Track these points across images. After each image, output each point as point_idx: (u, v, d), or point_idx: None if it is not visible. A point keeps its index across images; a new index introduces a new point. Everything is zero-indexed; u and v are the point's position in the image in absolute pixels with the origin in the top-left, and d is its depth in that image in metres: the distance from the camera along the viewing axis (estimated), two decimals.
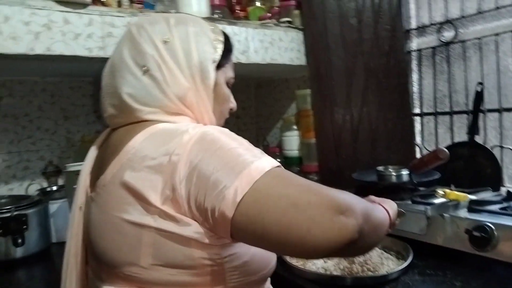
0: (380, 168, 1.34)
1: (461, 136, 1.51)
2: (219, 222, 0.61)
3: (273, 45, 1.57)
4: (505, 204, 1.09)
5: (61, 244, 0.91)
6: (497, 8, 1.38)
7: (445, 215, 1.06)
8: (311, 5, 1.60)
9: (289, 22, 1.65)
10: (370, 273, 1.00)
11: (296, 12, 1.68)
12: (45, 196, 1.48)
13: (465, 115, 1.50)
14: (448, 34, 1.53)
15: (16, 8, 1.05)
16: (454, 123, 1.54)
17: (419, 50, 1.63)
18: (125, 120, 0.75)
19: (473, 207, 1.07)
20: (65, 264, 0.81)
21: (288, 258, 1.10)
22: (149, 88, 0.72)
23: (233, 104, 0.89)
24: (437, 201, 1.12)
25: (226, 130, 0.68)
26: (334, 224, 0.57)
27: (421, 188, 1.31)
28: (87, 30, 1.16)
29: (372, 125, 1.60)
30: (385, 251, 1.13)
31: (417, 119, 1.65)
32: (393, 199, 1.19)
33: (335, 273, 1.01)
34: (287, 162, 1.83)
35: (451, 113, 1.54)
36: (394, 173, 1.29)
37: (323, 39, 1.60)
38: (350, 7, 1.60)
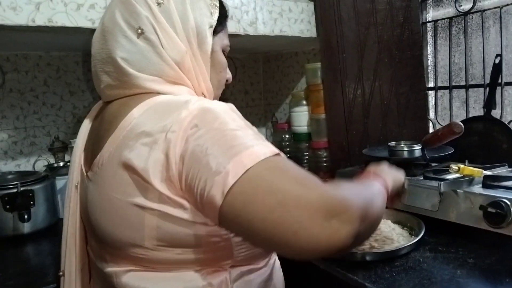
0: (392, 143, 1.30)
1: (477, 111, 1.46)
2: (207, 207, 0.57)
3: (282, 16, 1.52)
4: None
5: None
6: None
7: (459, 191, 1.02)
8: None
9: None
10: (378, 249, 0.98)
11: None
12: (51, 172, 1.47)
13: (481, 89, 1.44)
14: (466, 4, 1.45)
15: None
16: (469, 98, 1.48)
17: (434, 21, 1.57)
18: (122, 92, 0.71)
19: (488, 182, 1.03)
20: (64, 244, 0.79)
21: None
22: (145, 52, 0.68)
23: (229, 74, 0.85)
24: (451, 176, 1.09)
25: (230, 107, 0.64)
26: (323, 230, 0.51)
27: (434, 164, 1.27)
28: (90, 1, 1.12)
29: (384, 99, 1.55)
30: (398, 226, 1.10)
31: (431, 93, 1.60)
32: (405, 175, 1.18)
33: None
34: (296, 138, 1.80)
35: (466, 87, 1.48)
36: (406, 148, 1.25)
37: (334, 9, 1.54)
38: None
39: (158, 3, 0.70)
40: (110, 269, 0.69)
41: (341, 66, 1.54)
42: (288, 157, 1.85)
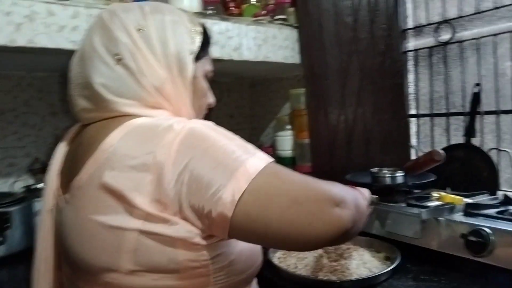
0: (374, 169, 1.31)
1: (458, 138, 1.48)
2: (216, 222, 0.59)
3: (266, 42, 1.53)
4: (502, 208, 1.06)
5: None
6: (496, 8, 1.35)
7: (440, 218, 1.03)
8: (306, 2, 1.57)
9: (283, 19, 1.62)
10: (355, 276, 0.96)
11: (291, 9, 1.64)
12: (30, 193, 1.43)
13: (461, 117, 1.46)
14: (445, 35, 1.49)
15: None
16: (450, 125, 1.51)
17: (415, 50, 1.60)
18: (99, 115, 0.70)
19: (469, 210, 1.03)
20: (36, 270, 0.76)
21: (276, 261, 1.06)
22: (123, 78, 0.68)
23: (211, 99, 0.85)
24: (432, 204, 1.09)
25: (212, 124, 0.65)
26: (332, 217, 0.60)
27: (416, 191, 1.27)
28: (72, 22, 1.12)
29: (366, 126, 1.56)
30: (374, 254, 1.09)
31: (413, 121, 1.62)
32: (387, 202, 1.18)
33: (322, 277, 0.98)
34: (280, 162, 1.76)
35: (447, 115, 1.51)
36: (388, 175, 1.26)
37: (317, 37, 1.56)
38: (346, 5, 1.57)
39: (138, 29, 0.70)
40: None
41: (324, 93, 1.56)
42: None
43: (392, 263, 1.00)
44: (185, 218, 0.61)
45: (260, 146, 2.00)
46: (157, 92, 0.70)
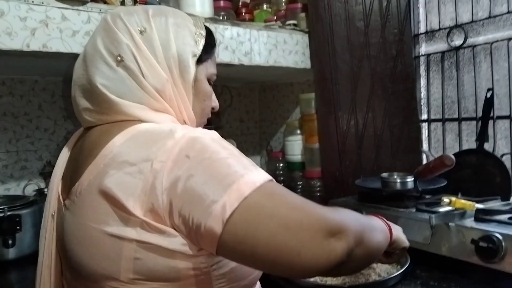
0: (385, 174, 1.30)
1: (470, 143, 1.46)
2: (205, 238, 0.57)
3: (277, 47, 1.54)
4: None
5: None
6: (509, 12, 1.34)
7: (451, 224, 1.01)
8: (318, 7, 1.57)
9: (294, 24, 1.62)
10: (363, 280, 0.95)
11: (302, 15, 1.65)
12: (41, 196, 1.45)
13: (474, 122, 1.44)
14: (457, 39, 1.48)
15: (12, 3, 1.03)
16: (462, 130, 1.49)
17: (427, 55, 1.59)
18: (102, 117, 0.70)
19: (480, 216, 1.02)
20: (38, 275, 0.76)
21: None
22: (125, 79, 0.68)
23: (215, 103, 0.84)
24: (442, 209, 1.08)
25: (216, 135, 0.64)
26: (323, 248, 0.56)
27: (427, 196, 1.26)
28: (85, 27, 1.14)
29: (377, 131, 1.55)
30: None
31: (424, 126, 1.61)
32: (397, 207, 1.17)
33: (331, 282, 0.97)
34: (290, 167, 1.79)
35: (459, 120, 1.49)
36: (398, 180, 1.25)
37: (329, 42, 1.56)
38: (357, 10, 1.57)
39: (141, 31, 0.70)
40: None
41: (334, 97, 1.56)
42: (282, 186, 1.85)
43: (401, 268, 0.99)
44: (177, 230, 0.60)
45: (270, 151, 2.00)
46: (158, 94, 0.70)
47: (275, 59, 1.53)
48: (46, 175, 1.58)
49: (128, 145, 0.63)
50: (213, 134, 0.63)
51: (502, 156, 1.34)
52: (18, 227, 1.26)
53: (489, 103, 1.37)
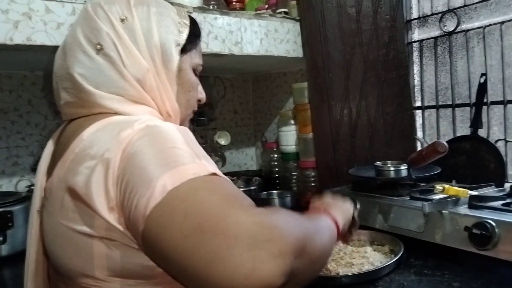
0: (378, 163, 1.29)
1: (464, 130, 1.45)
2: (133, 233, 0.54)
3: (268, 36, 1.52)
4: (508, 200, 1.03)
5: None
6: None
7: (444, 211, 1.00)
8: None
9: (285, 13, 1.60)
10: (356, 270, 0.95)
11: (293, 2, 1.63)
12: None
13: (468, 108, 1.43)
14: (450, 24, 1.46)
15: None
16: (456, 117, 1.47)
17: (420, 41, 1.57)
18: (80, 110, 0.69)
19: (474, 203, 1.01)
20: (26, 271, 0.75)
21: None
22: (103, 69, 0.66)
23: (201, 94, 0.82)
24: (436, 197, 1.07)
25: (183, 129, 0.60)
26: (243, 262, 0.44)
27: (421, 184, 1.25)
28: (70, 19, 1.11)
29: (370, 119, 1.54)
30: (375, 247, 1.07)
31: (418, 113, 1.59)
32: (391, 195, 1.16)
33: (323, 272, 0.96)
34: (284, 158, 1.78)
35: (453, 106, 1.48)
36: (392, 168, 1.24)
37: (320, 30, 1.54)
38: None
39: (122, 20, 0.69)
40: None
41: (327, 86, 1.54)
42: (277, 177, 1.84)
43: (395, 257, 0.98)
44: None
45: (265, 142, 1.99)
46: (139, 84, 0.68)
47: (267, 48, 1.51)
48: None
49: (94, 138, 0.61)
50: (174, 127, 0.60)
51: (496, 142, 1.33)
52: (10, 224, 1.25)
53: (482, 88, 1.36)
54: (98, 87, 0.66)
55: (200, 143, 0.62)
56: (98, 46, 0.67)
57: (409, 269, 0.97)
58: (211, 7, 1.45)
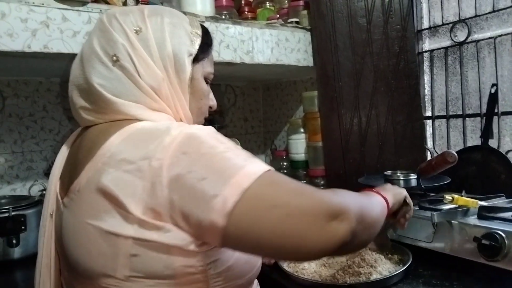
0: (388, 172, 1.29)
1: (474, 140, 1.45)
2: (209, 233, 0.58)
3: (279, 45, 1.53)
4: None
5: None
6: None
7: (453, 221, 1.00)
8: (319, 4, 1.56)
9: (296, 22, 1.62)
10: (364, 279, 0.95)
11: (304, 12, 1.64)
12: None
13: (478, 119, 1.43)
14: (461, 34, 1.46)
15: (13, 5, 1.04)
16: (466, 127, 1.47)
17: (431, 51, 1.57)
18: (100, 116, 0.71)
19: (484, 213, 1.01)
20: (37, 275, 0.77)
21: (284, 265, 1.05)
22: (120, 79, 0.68)
23: (213, 102, 0.85)
24: (445, 207, 1.06)
25: (212, 130, 0.64)
26: (326, 231, 0.58)
27: (431, 194, 1.25)
28: (86, 28, 1.14)
29: (380, 128, 1.54)
30: (384, 257, 1.07)
31: (428, 123, 1.59)
32: None
33: (330, 279, 0.96)
34: (294, 166, 1.78)
35: (463, 116, 1.47)
36: (401, 178, 1.24)
37: (331, 39, 1.56)
38: (359, 6, 1.55)
39: (136, 31, 0.70)
40: None
41: (337, 95, 1.55)
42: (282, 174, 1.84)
43: (403, 266, 0.98)
44: (177, 226, 0.60)
45: (274, 150, 2.00)
46: (155, 93, 0.70)
47: (277, 57, 1.53)
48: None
49: (126, 144, 0.63)
50: (209, 129, 0.64)
51: (507, 152, 1.32)
52: (23, 227, 1.27)
53: (493, 98, 1.35)
54: (118, 96, 0.68)
55: None
56: (114, 58, 0.69)
57: (417, 279, 0.97)
58: (223, 17, 1.47)
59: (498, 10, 1.36)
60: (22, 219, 1.28)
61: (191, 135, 0.61)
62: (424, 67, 1.60)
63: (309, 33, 1.62)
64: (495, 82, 1.36)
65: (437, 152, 1.54)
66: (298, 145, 1.74)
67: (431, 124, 1.58)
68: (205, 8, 1.40)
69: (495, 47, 1.37)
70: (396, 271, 0.96)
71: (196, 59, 0.76)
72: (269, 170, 0.60)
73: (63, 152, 0.79)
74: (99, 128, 0.70)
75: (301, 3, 1.65)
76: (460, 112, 1.49)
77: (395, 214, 0.92)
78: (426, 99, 1.60)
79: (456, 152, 1.12)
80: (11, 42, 1.04)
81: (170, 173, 0.58)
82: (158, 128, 0.64)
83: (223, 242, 0.59)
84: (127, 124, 0.66)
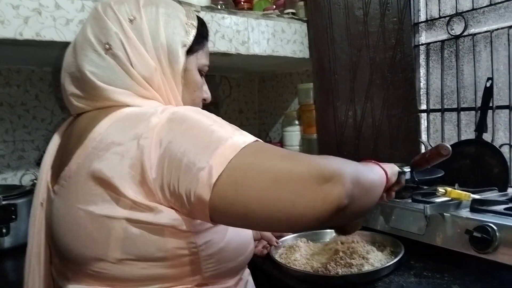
0: None
1: (469, 134, 1.45)
2: (196, 207, 0.58)
3: (275, 36, 1.52)
4: (510, 205, 1.02)
5: None
6: (510, 0, 1.31)
7: (445, 214, 1.00)
8: None
9: (292, 13, 1.61)
10: (355, 270, 0.95)
11: (301, 3, 1.64)
12: None
13: (473, 112, 1.43)
14: (457, 28, 1.46)
15: None
16: (461, 120, 1.47)
17: (427, 44, 1.57)
18: (90, 103, 0.71)
19: (476, 206, 1.01)
20: (27, 264, 0.76)
21: (276, 256, 1.05)
22: (112, 67, 0.69)
23: (206, 94, 0.84)
24: (438, 199, 1.07)
25: (198, 108, 0.65)
26: (318, 194, 0.54)
27: (424, 187, 1.25)
28: (79, 16, 1.13)
29: (375, 121, 1.54)
30: (376, 249, 1.07)
31: (423, 116, 1.59)
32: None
33: (322, 271, 0.96)
34: None
35: (458, 110, 1.47)
36: None
37: (327, 31, 1.55)
38: None
39: (130, 20, 0.70)
40: (72, 286, 0.67)
41: (333, 87, 1.54)
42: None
43: (395, 258, 0.98)
44: (169, 205, 0.60)
45: (269, 142, 1.99)
46: (146, 83, 0.70)
47: (273, 49, 1.52)
48: None
49: (115, 127, 0.64)
50: (194, 107, 0.65)
51: (501, 146, 1.32)
52: (13, 216, 1.27)
53: (488, 92, 1.35)
54: (109, 84, 0.69)
55: None
56: (107, 46, 0.69)
57: (409, 271, 0.97)
58: (219, 7, 1.46)
59: (495, 4, 1.35)
60: (13, 208, 1.27)
61: (177, 112, 0.62)
62: (420, 60, 1.60)
63: (305, 24, 1.61)
64: (491, 76, 1.36)
65: (431, 146, 1.54)
66: (293, 137, 1.74)
67: (425, 118, 1.58)
68: None
69: (491, 41, 1.37)
70: (388, 262, 0.96)
71: (190, 51, 0.76)
72: (257, 140, 0.60)
73: (55, 141, 0.79)
74: (89, 115, 0.71)
75: None
76: (455, 106, 1.48)
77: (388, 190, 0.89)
78: (421, 92, 1.60)
79: (450, 145, 1.12)
80: (3, 29, 1.03)
81: (157, 150, 0.59)
82: (146, 111, 0.65)
83: (212, 216, 0.58)
84: (116, 110, 0.67)
